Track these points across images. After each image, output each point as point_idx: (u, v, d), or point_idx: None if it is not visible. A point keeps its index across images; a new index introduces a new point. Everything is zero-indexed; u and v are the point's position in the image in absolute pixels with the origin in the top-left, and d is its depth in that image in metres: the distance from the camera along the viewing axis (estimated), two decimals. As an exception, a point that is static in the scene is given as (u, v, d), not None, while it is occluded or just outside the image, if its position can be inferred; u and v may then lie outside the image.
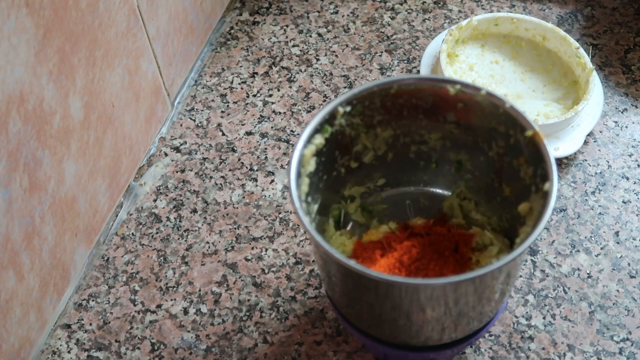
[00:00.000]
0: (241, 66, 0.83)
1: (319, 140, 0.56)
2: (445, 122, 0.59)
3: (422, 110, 0.59)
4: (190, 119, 0.79)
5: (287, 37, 0.86)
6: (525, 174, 0.55)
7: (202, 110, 0.80)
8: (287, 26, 0.87)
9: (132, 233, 0.71)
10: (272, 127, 0.78)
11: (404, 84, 0.57)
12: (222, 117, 0.79)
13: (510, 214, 0.57)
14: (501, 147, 0.57)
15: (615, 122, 0.77)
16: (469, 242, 0.59)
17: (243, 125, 0.78)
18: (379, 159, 0.61)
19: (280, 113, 0.79)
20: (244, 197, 0.73)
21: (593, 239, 0.69)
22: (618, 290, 0.66)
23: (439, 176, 0.63)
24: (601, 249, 0.69)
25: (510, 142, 0.56)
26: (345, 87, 0.81)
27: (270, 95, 0.81)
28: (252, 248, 0.70)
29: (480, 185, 0.61)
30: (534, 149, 0.54)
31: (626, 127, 0.77)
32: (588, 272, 0.67)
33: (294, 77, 0.82)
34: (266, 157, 0.76)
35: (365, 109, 0.57)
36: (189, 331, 0.65)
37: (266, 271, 0.68)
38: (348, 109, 0.57)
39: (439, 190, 0.64)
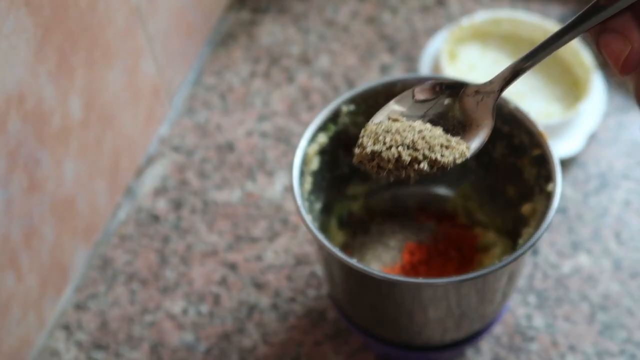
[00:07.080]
0: (241, 66, 0.83)
1: (323, 139, 0.56)
2: (449, 122, 0.59)
3: (426, 110, 0.58)
4: (190, 119, 0.79)
5: (287, 36, 0.86)
6: (529, 174, 0.55)
7: (202, 110, 0.79)
8: (287, 26, 0.87)
9: (132, 233, 0.71)
10: (272, 127, 0.78)
11: (408, 83, 0.56)
12: (221, 117, 0.79)
13: (514, 214, 0.57)
14: (505, 148, 0.57)
15: (617, 122, 0.77)
16: (473, 243, 0.59)
17: (243, 125, 0.78)
18: (383, 158, 0.61)
19: (280, 113, 0.79)
20: (243, 197, 0.73)
21: (594, 239, 0.69)
22: (619, 291, 0.66)
23: (443, 176, 0.63)
24: (602, 249, 0.68)
25: (514, 143, 0.56)
26: (345, 87, 0.81)
27: (270, 95, 0.80)
28: (252, 248, 0.69)
29: (484, 185, 0.61)
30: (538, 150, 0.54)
31: (628, 127, 0.76)
32: (589, 272, 0.67)
33: (294, 77, 0.82)
34: (266, 157, 0.75)
35: (369, 107, 0.57)
36: (188, 332, 0.65)
37: (266, 271, 0.68)
38: (352, 107, 0.57)
39: (443, 190, 0.64)
